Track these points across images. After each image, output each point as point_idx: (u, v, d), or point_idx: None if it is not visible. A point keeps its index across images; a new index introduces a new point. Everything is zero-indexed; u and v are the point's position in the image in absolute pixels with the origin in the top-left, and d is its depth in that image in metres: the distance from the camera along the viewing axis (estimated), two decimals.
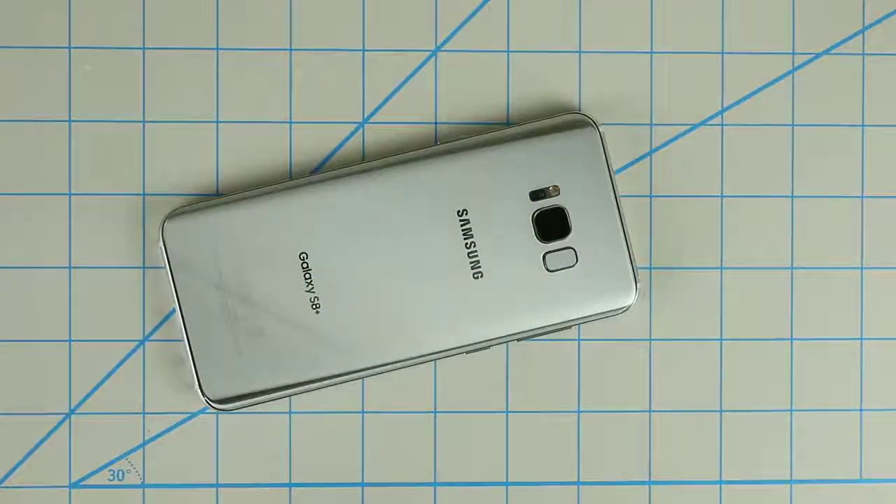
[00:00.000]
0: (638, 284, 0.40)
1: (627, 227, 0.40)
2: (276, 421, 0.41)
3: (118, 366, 0.41)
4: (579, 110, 0.41)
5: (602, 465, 0.42)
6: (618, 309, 0.40)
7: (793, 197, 0.42)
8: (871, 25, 0.42)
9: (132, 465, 0.41)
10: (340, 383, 0.40)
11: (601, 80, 0.42)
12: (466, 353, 0.40)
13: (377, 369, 0.40)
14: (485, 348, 0.40)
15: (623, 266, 0.40)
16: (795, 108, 0.42)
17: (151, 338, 0.41)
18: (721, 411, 0.42)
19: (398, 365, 0.40)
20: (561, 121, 0.40)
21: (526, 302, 0.40)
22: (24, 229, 0.41)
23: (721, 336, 0.42)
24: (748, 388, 0.42)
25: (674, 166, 0.42)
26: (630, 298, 0.40)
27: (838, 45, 0.42)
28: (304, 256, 0.40)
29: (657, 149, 0.42)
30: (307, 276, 0.40)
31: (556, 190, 0.40)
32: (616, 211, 0.40)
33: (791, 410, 0.42)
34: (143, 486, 0.41)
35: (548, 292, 0.40)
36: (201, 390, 0.39)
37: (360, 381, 0.41)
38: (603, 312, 0.40)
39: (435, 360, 0.40)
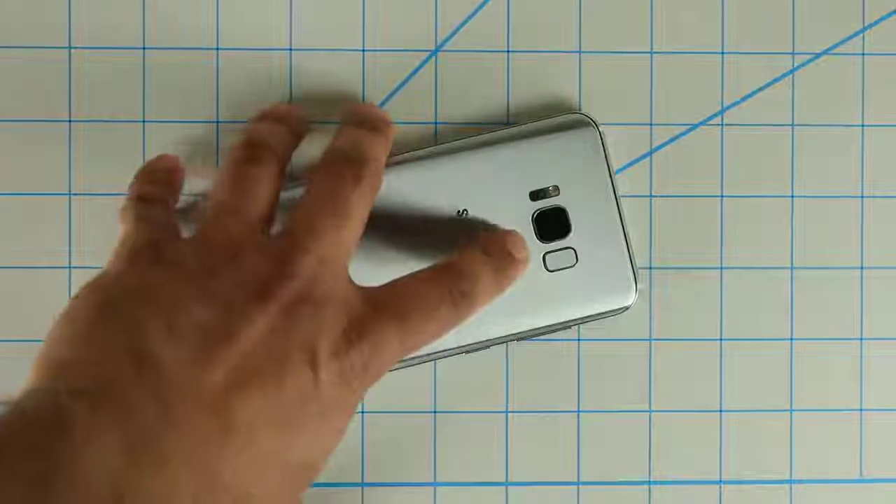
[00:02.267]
0: (638, 284, 0.40)
1: (627, 227, 0.40)
2: None
3: None
4: (579, 110, 0.41)
5: (602, 465, 0.42)
6: (618, 309, 0.40)
7: (793, 197, 0.42)
8: (871, 25, 0.42)
9: None
10: None
11: (601, 80, 0.42)
12: (466, 353, 0.40)
13: None
14: (485, 348, 0.40)
15: (623, 266, 0.40)
16: (795, 108, 0.42)
17: None
18: (721, 411, 0.42)
19: (398, 365, 0.40)
20: (561, 121, 0.40)
21: (526, 302, 0.40)
22: (24, 229, 0.41)
23: (721, 336, 0.42)
24: (748, 388, 0.42)
25: (674, 166, 0.42)
26: (630, 298, 0.40)
27: (838, 45, 0.42)
28: None
29: (657, 149, 0.42)
30: None
31: (556, 190, 0.40)
32: (616, 211, 0.40)
33: (791, 410, 0.42)
34: None
35: (548, 292, 0.40)
36: None
37: None
38: (603, 312, 0.40)
39: (435, 360, 0.40)
